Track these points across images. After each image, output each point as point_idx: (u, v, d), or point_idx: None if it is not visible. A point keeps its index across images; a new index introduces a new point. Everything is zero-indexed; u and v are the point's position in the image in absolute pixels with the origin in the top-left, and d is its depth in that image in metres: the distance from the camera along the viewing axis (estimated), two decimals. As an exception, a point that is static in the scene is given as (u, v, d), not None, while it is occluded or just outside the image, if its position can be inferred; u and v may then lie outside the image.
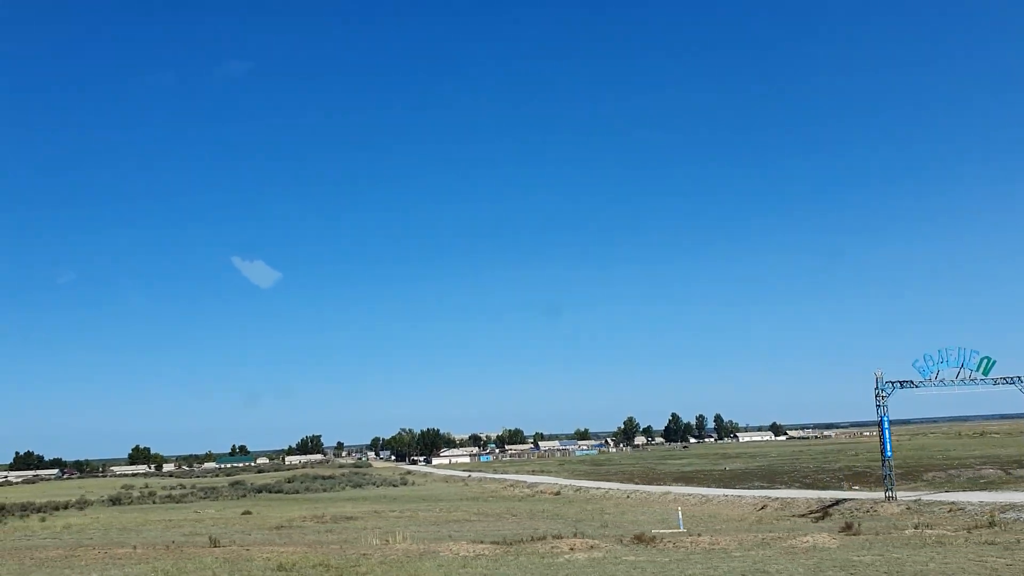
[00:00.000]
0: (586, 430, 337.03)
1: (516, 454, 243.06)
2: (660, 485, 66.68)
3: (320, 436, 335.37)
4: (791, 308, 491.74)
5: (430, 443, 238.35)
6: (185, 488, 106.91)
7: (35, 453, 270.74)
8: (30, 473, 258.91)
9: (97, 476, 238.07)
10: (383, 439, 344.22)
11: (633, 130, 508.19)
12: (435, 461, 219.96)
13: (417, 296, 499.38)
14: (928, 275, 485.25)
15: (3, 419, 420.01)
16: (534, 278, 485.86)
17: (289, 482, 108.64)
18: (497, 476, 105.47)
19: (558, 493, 64.87)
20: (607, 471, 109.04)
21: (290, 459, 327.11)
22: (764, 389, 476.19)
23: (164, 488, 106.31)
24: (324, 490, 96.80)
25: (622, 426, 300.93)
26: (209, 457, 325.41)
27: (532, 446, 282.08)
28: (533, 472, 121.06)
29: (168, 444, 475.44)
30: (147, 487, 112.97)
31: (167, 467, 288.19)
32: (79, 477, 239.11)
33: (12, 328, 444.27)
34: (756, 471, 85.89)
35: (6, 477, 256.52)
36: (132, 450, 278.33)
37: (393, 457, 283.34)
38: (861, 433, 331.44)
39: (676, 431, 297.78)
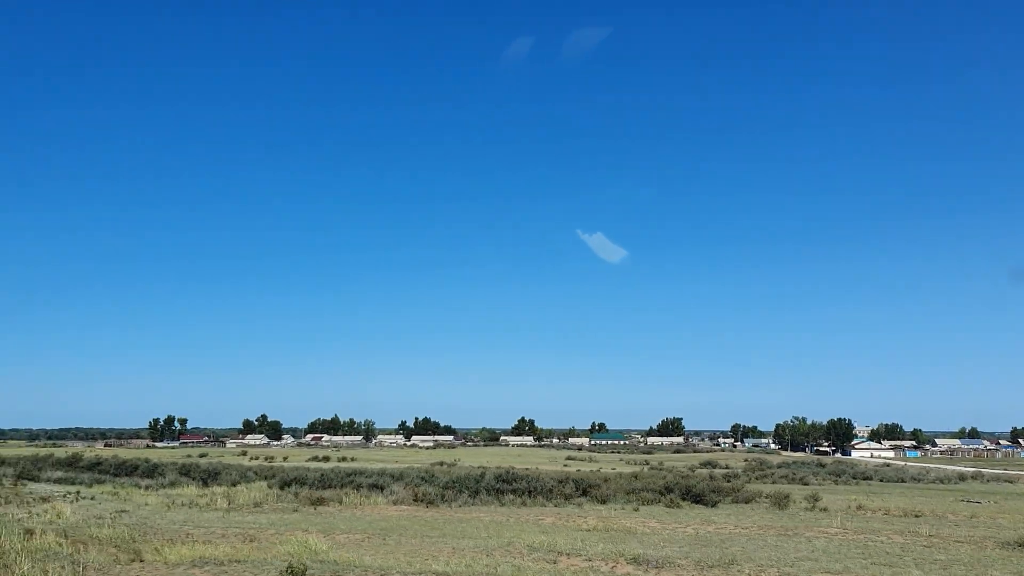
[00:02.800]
0: (973, 428, 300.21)
1: (949, 451, 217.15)
2: None
3: (681, 419, 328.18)
4: None
5: (842, 433, 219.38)
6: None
7: (432, 420, 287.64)
8: (430, 439, 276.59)
9: (496, 445, 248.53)
10: (744, 426, 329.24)
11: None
12: (855, 454, 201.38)
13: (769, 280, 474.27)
14: None
15: (393, 389, 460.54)
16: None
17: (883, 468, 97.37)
18: None
19: None
20: None
21: (651, 440, 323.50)
22: None
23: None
24: (915, 480, 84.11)
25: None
26: (573, 433, 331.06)
27: (914, 443, 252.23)
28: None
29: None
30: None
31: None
32: (482, 445, 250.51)
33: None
34: None
35: (413, 442, 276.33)
36: (518, 421, 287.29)
37: (773, 445, 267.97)
38: None
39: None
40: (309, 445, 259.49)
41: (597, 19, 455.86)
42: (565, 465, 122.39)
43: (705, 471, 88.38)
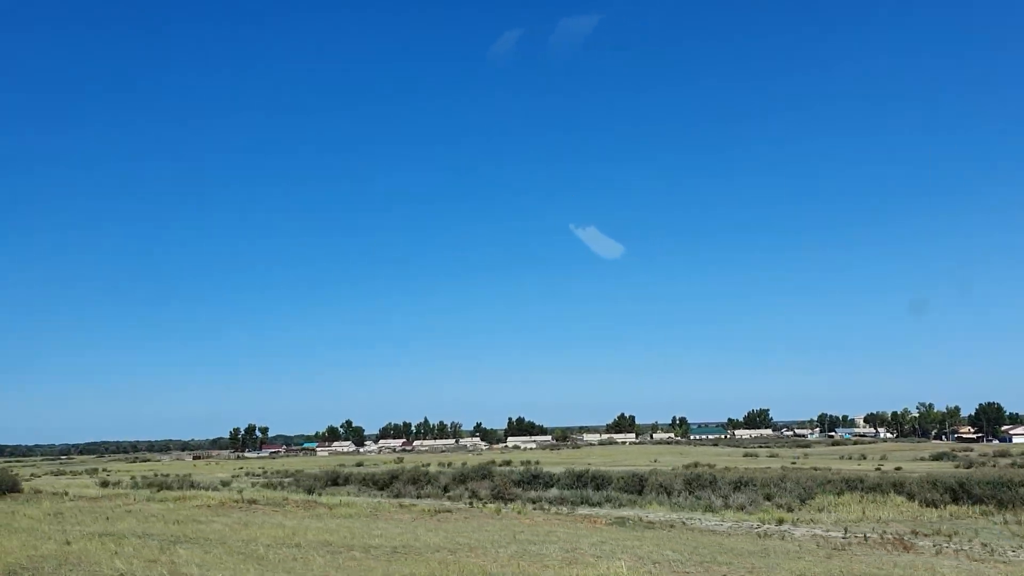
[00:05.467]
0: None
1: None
2: None
3: (768, 410, 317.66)
4: None
5: (991, 419, 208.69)
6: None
7: (526, 419, 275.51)
8: (530, 439, 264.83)
9: (611, 444, 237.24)
10: (831, 415, 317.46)
11: None
12: (1017, 440, 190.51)
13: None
14: None
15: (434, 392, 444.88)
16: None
17: None
18: None
19: None
20: None
21: (738, 432, 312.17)
22: None
23: None
24: None
25: None
26: (656, 428, 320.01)
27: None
28: None
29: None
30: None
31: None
32: (596, 444, 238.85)
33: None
34: None
35: (513, 443, 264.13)
36: (618, 417, 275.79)
37: (887, 433, 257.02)
38: None
39: None
40: (405, 451, 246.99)
41: (585, 6, 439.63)
42: (793, 462, 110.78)
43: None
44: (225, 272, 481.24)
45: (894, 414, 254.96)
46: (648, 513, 35.69)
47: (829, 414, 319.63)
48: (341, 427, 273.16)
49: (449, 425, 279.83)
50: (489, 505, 39.21)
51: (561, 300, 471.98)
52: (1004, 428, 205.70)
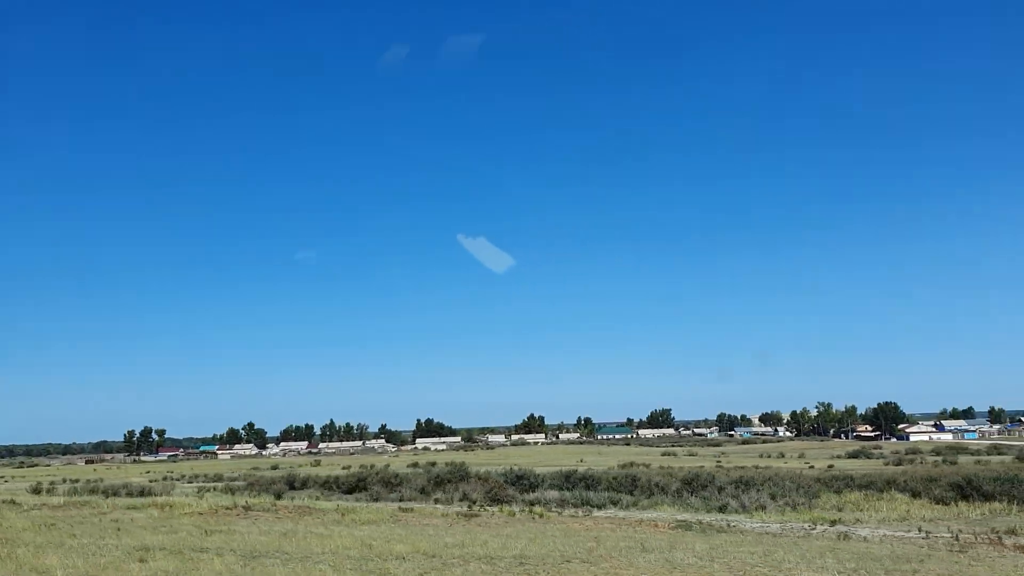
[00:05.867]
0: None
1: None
2: None
3: (670, 411, 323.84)
4: None
5: (890, 417, 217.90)
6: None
7: (435, 420, 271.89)
8: (440, 440, 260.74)
9: (523, 445, 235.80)
10: (730, 415, 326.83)
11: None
12: (913, 438, 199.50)
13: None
14: None
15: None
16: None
17: None
18: None
19: None
20: None
21: (642, 432, 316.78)
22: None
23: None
24: None
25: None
26: (562, 428, 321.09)
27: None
28: None
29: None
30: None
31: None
32: (509, 445, 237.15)
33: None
34: None
35: (424, 444, 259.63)
36: (527, 418, 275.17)
37: (787, 432, 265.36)
38: None
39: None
40: (312, 453, 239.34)
41: (471, 25, 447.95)
42: (718, 462, 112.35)
43: None
44: (115, 274, 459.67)
45: (793, 413, 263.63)
46: (676, 515, 33.99)
47: (728, 414, 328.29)
48: (243, 429, 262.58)
49: (355, 427, 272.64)
50: (490, 508, 36.83)
51: (460, 307, 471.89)
52: (901, 427, 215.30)
